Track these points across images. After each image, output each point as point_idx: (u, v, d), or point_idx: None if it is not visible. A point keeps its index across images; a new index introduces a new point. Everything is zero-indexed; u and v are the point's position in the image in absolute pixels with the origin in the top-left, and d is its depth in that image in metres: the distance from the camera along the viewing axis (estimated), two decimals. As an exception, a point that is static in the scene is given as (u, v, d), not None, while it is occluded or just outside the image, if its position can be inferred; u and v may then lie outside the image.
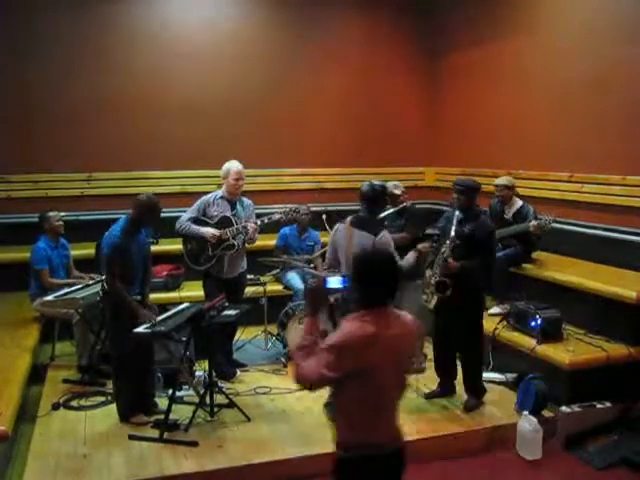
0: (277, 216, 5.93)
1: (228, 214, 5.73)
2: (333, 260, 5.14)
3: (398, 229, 5.88)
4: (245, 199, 5.94)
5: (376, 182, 5.02)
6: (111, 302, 4.93)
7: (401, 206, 5.97)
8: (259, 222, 5.74)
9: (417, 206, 8.08)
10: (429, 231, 5.47)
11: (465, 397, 5.27)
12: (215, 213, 5.75)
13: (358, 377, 2.76)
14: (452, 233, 4.99)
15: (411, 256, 4.92)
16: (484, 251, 5.03)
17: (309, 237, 7.02)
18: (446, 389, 5.41)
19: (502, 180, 6.43)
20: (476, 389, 5.25)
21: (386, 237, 4.80)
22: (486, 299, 5.76)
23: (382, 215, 5.89)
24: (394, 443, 2.89)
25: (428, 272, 5.32)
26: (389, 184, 6.03)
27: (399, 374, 2.92)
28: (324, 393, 5.44)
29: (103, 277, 5.16)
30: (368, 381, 2.77)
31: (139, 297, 5.04)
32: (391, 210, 5.95)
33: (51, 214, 6.32)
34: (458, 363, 5.43)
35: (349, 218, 5.02)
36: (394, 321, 2.87)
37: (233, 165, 5.77)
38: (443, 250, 5.01)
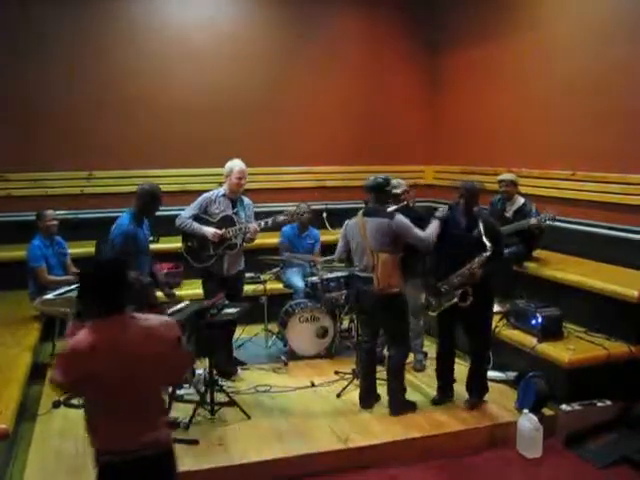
0: (281, 218, 5.96)
1: (230, 213, 5.74)
2: (343, 253, 5.35)
3: None
4: (245, 198, 5.94)
5: (380, 176, 5.23)
6: None
7: (402, 204, 5.94)
8: (262, 224, 5.75)
9: (416, 204, 8.09)
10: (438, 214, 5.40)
11: (467, 395, 5.27)
12: (217, 211, 5.75)
13: (87, 384, 2.77)
14: (488, 250, 4.92)
15: (434, 224, 5.11)
16: (497, 251, 5.04)
17: (309, 235, 7.03)
18: (449, 392, 5.40)
19: (508, 175, 6.41)
20: (480, 388, 5.25)
21: (402, 219, 4.99)
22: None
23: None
24: (144, 450, 2.83)
25: (431, 280, 5.29)
26: (392, 182, 6.02)
27: (141, 381, 2.84)
28: (327, 393, 5.49)
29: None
30: (98, 389, 2.77)
31: None
32: (392, 208, 5.92)
33: (45, 212, 6.32)
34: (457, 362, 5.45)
35: (361, 211, 5.20)
36: (131, 328, 2.84)
37: (236, 164, 5.78)
38: (473, 263, 4.97)
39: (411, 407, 5.17)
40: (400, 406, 5.12)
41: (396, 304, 5.05)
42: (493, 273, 5.08)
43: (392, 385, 5.16)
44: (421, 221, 5.75)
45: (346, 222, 5.31)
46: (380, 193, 5.15)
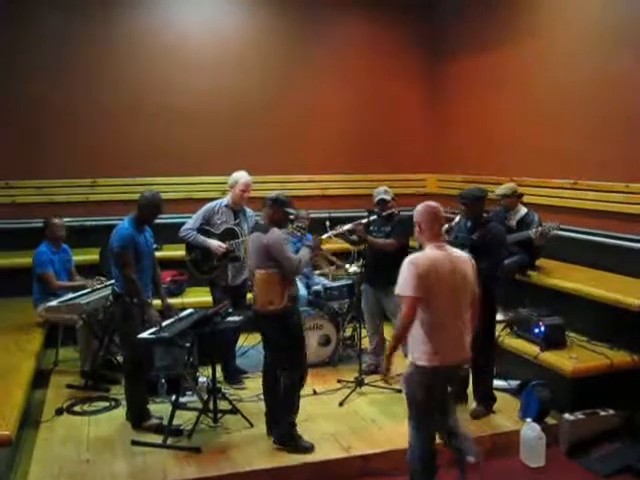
0: None
1: (232, 225, 5.78)
2: None
3: (385, 235, 5.88)
4: (248, 209, 5.99)
5: (279, 194, 4.80)
6: (122, 305, 4.92)
7: (388, 212, 5.95)
8: None
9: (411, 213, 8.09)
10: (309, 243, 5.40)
11: (474, 404, 5.27)
12: (219, 222, 5.81)
13: None
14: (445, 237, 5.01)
15: (304, 250, 4.82)
16: (489, 256, 5.05)
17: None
18: (458, 398, 5.38)
19: (500, 190, 6.39)
20: (486, 398, 5.24)
21: (275, 232, 4.58)
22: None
23: (369, 219, 5.86)
24: None
25: None
26: (379, 189, 6.03)
27: None
28: (330, 401, 5.50)
29: (112, 282, 5.15)
30: None
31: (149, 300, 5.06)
32: (374, 216, 5.91)
33: (53, 221, 6.33)
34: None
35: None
36: None
37: (242, 176, 5.83)
38: None
39: (299, 446, 4.64)
40: (285, 435, 4.67)
41: (275, 324, 4.64)
42: (488, 279, 5.07)
43: (280, 413, 4.75)
44: (398, 228, 5.78)
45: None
46: (277, 210, 4.71)
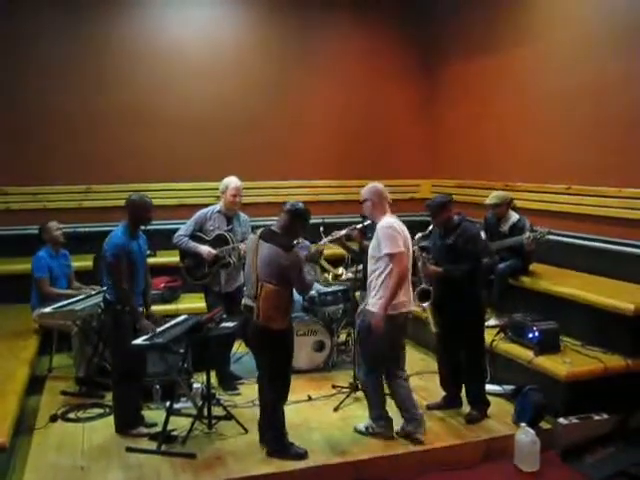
0: None
1: (224, 231, 5.79)
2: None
3: None
4: (242, 214, 6.00)
5: (300, 204, 4.76)
6: (113, 313, 4.91)
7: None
8: None
9: (411, 218, 8.11)
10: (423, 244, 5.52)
11: (468, 409, 5.27)
12: (211, 228, 5.81)
13: None
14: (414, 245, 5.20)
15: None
16: (467, 256, 5.08)
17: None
18: (451, 402, 5.41)
19: (490, 199, 6.33)
20: (479, 403, 5.25)
21: (297, 256, 4.55)
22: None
23: (364, 224, 5.83)
24: None
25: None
26: None
27: None
28: (324, 407, 5.50)
29: (104, 288, 5.15)
30: None
31: (141, 309, 5.04)
32: (368, 222, 5.89)
33: (49, 224, 6.35)
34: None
35: (259, 230, 4.73)
36: None
37: (232, 181, 5.84)
38: (423, 258, 5.22)
39: (292, 452, 4.60)
40: (276, 445, 4.63)
41: (274, 341, 4.54)
42: (470, 279, 5.11)
43: (265, 423, 4.74)
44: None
45: (249, 237, 4.98)
46: (295, 221, 4.64)
